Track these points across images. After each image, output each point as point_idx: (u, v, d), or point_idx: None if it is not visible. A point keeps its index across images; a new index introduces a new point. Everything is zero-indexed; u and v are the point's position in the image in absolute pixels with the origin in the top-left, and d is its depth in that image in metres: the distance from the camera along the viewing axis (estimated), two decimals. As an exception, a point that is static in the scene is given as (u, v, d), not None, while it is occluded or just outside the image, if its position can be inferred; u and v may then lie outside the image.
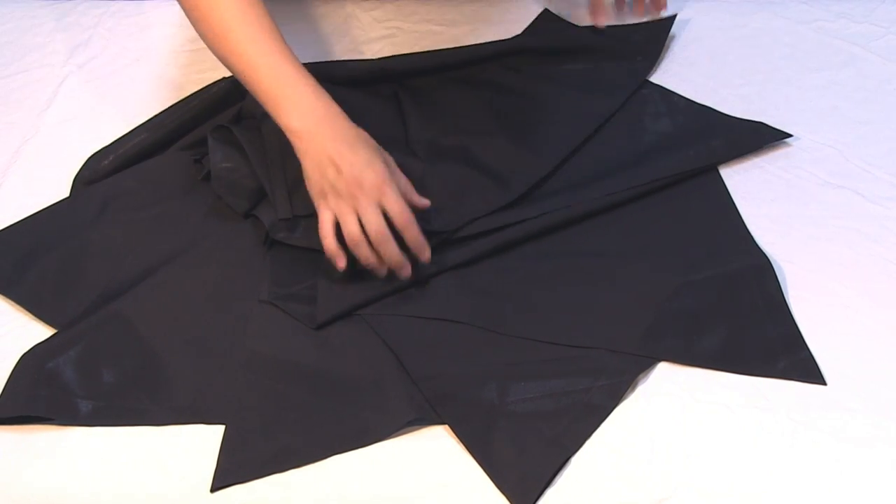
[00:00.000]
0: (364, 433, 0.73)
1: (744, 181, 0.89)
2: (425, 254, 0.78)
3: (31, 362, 0.78)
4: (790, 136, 0.91)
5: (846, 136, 0.93)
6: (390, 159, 0.80)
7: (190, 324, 0.81)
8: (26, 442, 0.74)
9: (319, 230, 0.78)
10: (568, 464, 0.70)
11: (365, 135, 0.80)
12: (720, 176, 0.90)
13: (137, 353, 0.79)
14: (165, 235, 0.88)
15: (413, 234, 0.77)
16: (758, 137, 0.92)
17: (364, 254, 0.77)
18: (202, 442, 0.74)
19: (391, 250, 0.77)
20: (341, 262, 0.78)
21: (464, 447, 0.72)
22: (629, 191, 0.87)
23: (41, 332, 0.82)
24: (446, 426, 0.73)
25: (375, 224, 0.76)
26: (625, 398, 0.74)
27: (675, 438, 0.71)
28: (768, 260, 0.81)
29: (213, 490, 0.71)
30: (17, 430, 0.75)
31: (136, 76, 1.07)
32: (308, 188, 0.79)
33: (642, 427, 0.72)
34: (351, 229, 0.76)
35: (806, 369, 0.74)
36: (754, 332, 0.77)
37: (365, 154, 0.77)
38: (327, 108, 0.79)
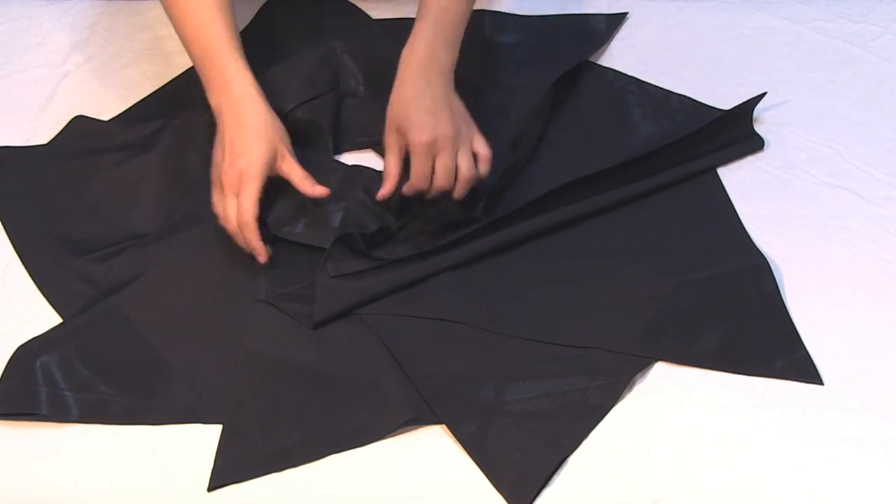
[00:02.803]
0: (361, 433, 0.73)
1: (742, 181, 0.89)
2: (260, 258, 0.81)
3: (25, 358, 0.78)
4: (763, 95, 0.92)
5: (844, 136, 0.93)
6: (285, 150, 0.83)
7: (188, 323, 0.81)
8: (24, 441, 0.74)
9: (214, 212, 0.83)
10: (565, 463, 0.70)
11: (263, 124, 0.82)
12: (717, 175, 0.90)
13: (135, 352, 0.79)
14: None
15: (246, 236, 0.80)
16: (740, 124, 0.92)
17: (237, 240, 0.82)
18: (199, 441, 0.74)
19: (240, 241, 0.81)
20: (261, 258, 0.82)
21: (461, 447, 0.72)
22: (625, 192, 0.87)
23: (38, 330, 0.81)
24: (444, 426, 0.73)
25: (229, 212, 0.80)
26: (622, 398, 0.74)
27: (672, 438, 0.71)
28: (766, 260, 0.81)
29: (210, 489, 0.71)
30: (15, 429, 0.75)
31: (134, 76, 1.07)
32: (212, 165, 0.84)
33: (639, 427, 0.72)
34: (224, 209, 0.81)
35: (803, 369, 0.74)
36: (751, 332, 0.77)
37: (246, 146, 0.80)
38: (241, 91, 0.83)
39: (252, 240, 0.80)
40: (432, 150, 0.80)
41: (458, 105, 0.83)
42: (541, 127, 0.94)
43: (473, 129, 0.84)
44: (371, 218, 0.85)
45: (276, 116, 0.84)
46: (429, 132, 0.79)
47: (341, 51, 0.99)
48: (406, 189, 0.82)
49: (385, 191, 0.82)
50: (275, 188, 0.85)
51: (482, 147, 0.83)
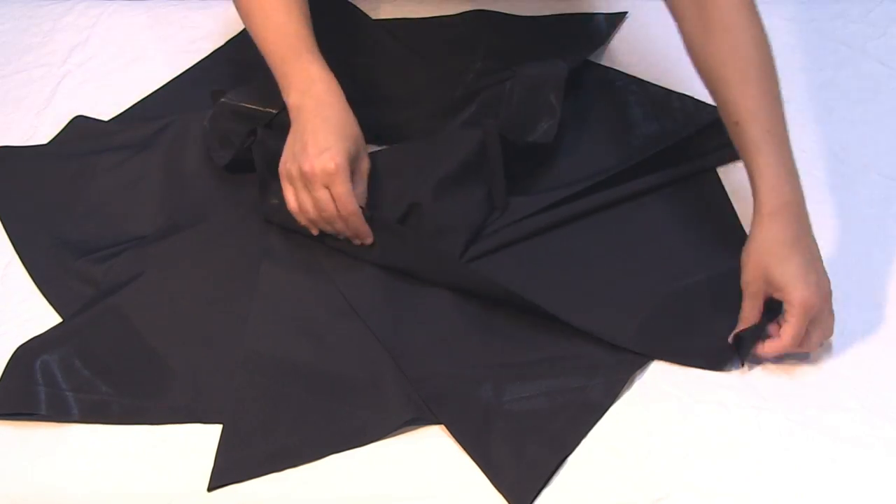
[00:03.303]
0: (361, 433, 0.73)
1: (741, 181, 0.89)
2: (367, 239, 0.82)
3: (25, 358, 0.78)
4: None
5: (844, 137, 0.93)
6: (363, 150, 0.84)
7: (188, 323, 0.81)
8: (24, 441, 0.74)
9: (287, 205, 0.82)
10: (565, 463, 0.70)
11: (347, 124, 0.82)
12: (717, 175, 0.90)
13: (135, 352, 0.79)
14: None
15: (353, 223, 0.80)
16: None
17: (315, 227, 0.82)
18: (200, 441, 0.74)
19: (339, 228, 0.81)
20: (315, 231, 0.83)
21: (461, 447, 0.72)
22: (625, 190, 0.87)
23: (37, 330, 0.81)
24: (443, 426, 0.73)
25: (323, 204, 0.79)
26: (621, 397, 0.74)
27: (671, 437, 0.71)
28: None
29: (210, 489, 0.71)
30: (15, 430, 0.75)
31: (134, 76, 1.07)
32: (281, 161, 0.82)
33: (639, 426, 0.72)
34: (299, 200, 0.81)
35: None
36: (750, 332, 0.77)
37: (331, 141, 0.80)
38: (324, 90, 0.83)
39: (360, 226, 0.80)
40: (811, 314, 0.71)
41: (823, 270, 0.75)
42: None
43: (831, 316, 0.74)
44: None
45: (355, 119, 0.84)
46: (813, 293, 0.71)
47: (333, 64, 1.00)
48: (767, 349, 0.74)
49: (770, 349, 0.73)
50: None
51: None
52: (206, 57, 1.08)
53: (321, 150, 0.79)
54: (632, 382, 0.75)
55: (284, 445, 0.73)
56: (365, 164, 0.84)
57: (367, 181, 0.84)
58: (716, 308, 0.79)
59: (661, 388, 0.74)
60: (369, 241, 0.82)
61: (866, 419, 0.71)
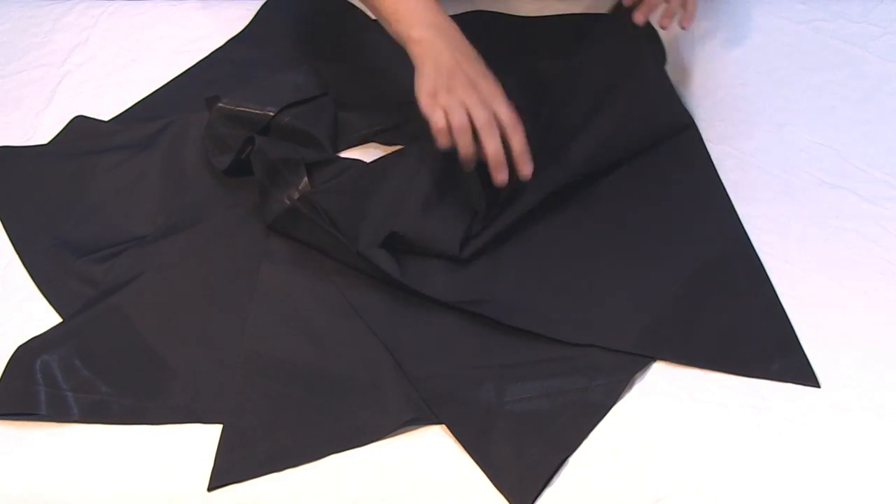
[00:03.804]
0: (361, 433, 0.73)
1: (741, 181, 0.89)
2: (526, 167, 0.79)
3: (25, 358, 0.78)
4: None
5: (844, 137, 0.93)
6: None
7: (188, 323, 0.81)
8: (24, 441, 0.74)
9: (433, 126, 0.78)
10: (566, 463, 0.70)
11: (478, 54, 0.82)
12: (717, 173, 0.90)
13: (135, 352, 0.79)
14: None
15: (520, 140, 0.78)
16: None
17: (465, 142, 0.78)
18: (200, 441, 0.74)
19: (495, 144, 0.78)
20: (467, 162, 0.80)
21: (461, 447, 0.72)
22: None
23: (37, 330, 0.81)
24: (444, 426, 0.73)
25: (485, 115, 0.77)
26: (622, 397, 0.74)
27: (671, 438, 0.71)
28: (760, 261, 0.81)
29: (210, 489, 0.71)
30: (15, 430, 0.75)
31: (134, 76, 1.07)
32: (417, 90, 0.80)
33: (639, 426, 0.72)
34: (459, 117, 0.77)
35: (800, 371, 0.74)
36: (749, 333, 0.77)
37: (481, 66, 0.80)
38: (446, 22, 0.82)
39: (524, 144, 0.78)
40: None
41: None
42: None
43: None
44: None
45: None
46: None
47: (329, 71, 1.00)
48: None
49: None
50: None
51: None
52: (206, 57, 1.08)
53: (480, 73, 0.79)
54: (632, 383, 0.75)
55: (284, 445, 0.73)
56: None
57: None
58: (714, 308, 0.79)
59: (661, 388, 0.74)
60: (527, 169, 0.79)
61: (866, 420, 0.71)
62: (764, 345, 0.76)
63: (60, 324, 0.82)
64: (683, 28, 0.91)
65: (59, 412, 0.75)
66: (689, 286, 0.80)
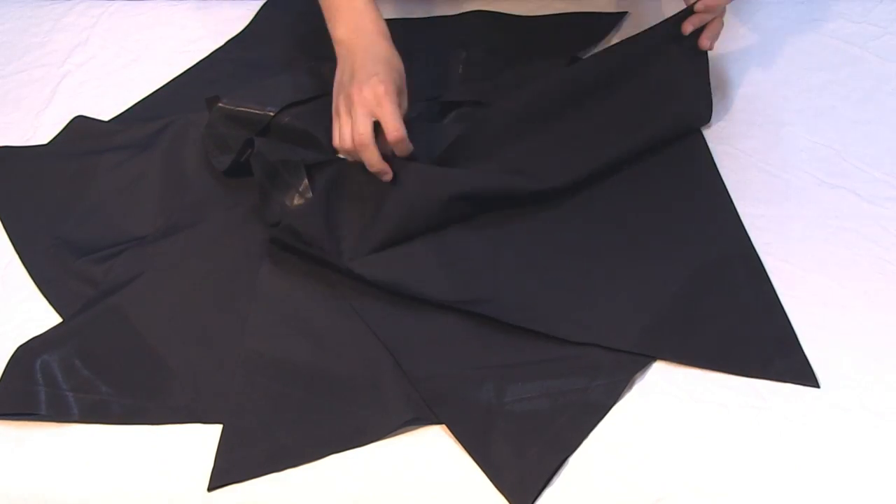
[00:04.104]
0: (361, 433, 0.73)
1: (741, 181, 0.89)
2: (386, 176, 0.82)
3: (25, 358, 0.78)
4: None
5: (844, 137, 0.93)
6: (403, 87, 0.84)
7: (188, 323, 0.81)
8: (25, 441, 0.74)
9: (332, 134, 0.83)
10: (566, 463, 0.70)
11: (393, 57, 0.84)
12: (718, 172, 0.90)
13: (135, 352, 0.79)
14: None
15: (403, 148, 0.81)
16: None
17: (347, 153, 0.83)
18: (199, 441, 0.74)
19: (369, 156, 0.80)
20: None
21: (461, 447, 0.72)
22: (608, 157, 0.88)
23: (37, 330, 0.81)
24: (444, 426, 0.73)
25: (360, 128, 0.79)
26: (622, 397, 0.74)
27: (672, 438, 0.71)
28: (760, 261, 0.81)
29: (210, 489, 0.71)
30: (15, 429, 0.75)
31: (134, 76, 1.07)
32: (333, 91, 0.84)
33: (639, 426, 0.72)
34: (341, 131, 0.81)
35: (799, 372, 0.74)
36: (748, 333, 0.77)
37: (379, 69, 0.81)
38: (372, 25, 0.85)
39: (406, 149, 0.81)
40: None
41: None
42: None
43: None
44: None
45: (398, 55, 0.85)
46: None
47: (330, 70, 0.99)
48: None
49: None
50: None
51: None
52: (206, 57, 1.09)
53: (370, 74, 0.80)
54: (632, 383, 0.75)
55: (284, 445, 0.73)
56: (405, 102, 0.84)
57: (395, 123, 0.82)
58: (713, 308, 0.79)
59: (661, 388, 0.74)
60: (389, 177, 0.82)
61: (866, 419, 0.71)
62: (764, 345, 0.76)
63: (60, 324, 0.82)
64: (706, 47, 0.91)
65: (59, 412, 0.75)
66: (689, 286, 0.80)
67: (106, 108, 1.03)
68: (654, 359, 0.76)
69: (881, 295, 0.79)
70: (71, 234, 0.89)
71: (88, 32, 1.14)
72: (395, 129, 0.79)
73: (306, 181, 0.86)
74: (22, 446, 0.74)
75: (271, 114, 0.91)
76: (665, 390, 0.74)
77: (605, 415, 0.73)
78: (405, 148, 0.81)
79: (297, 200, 0.85)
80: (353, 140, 0.80)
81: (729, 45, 1.04)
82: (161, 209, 0.90)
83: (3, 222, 0.92)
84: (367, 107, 0.79)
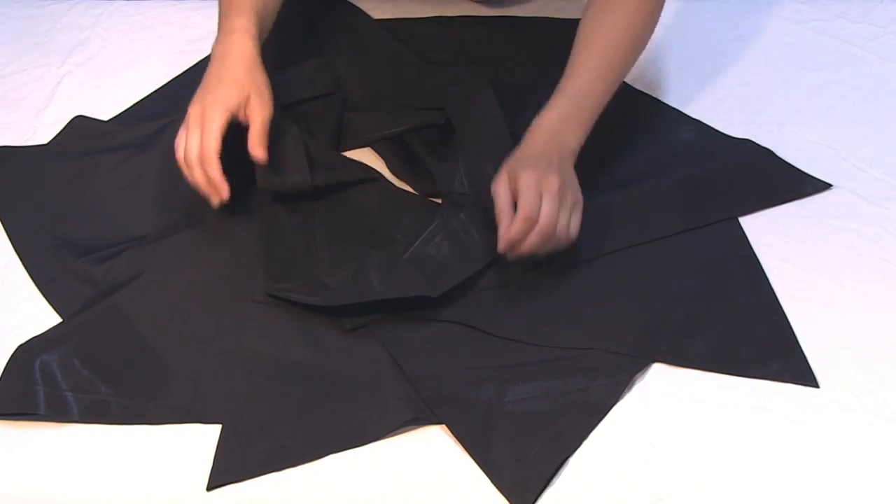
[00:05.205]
0: (361, 433, 0.73)
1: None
2: (222, 193, 0.82)
3: (25, 358, 0.77)
4: (830, 186, 0.88)
5: (844, 136, 0.93)
6: (258, 101, 0.83)
7: (188, 323, 0.81)
8: (24, 441, 0.74)
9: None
10: (566, 463, 0.70)
11: (240, 71, 0.83)
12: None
13: (135, 352, 0.79)
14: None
15: (208, 169, 0.81)
16: (791, 189, 0.89)
17: (191, 175, 0.83)
18: (199, 441, 0.73)
19: (194, 175, 0.82)
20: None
21: (461, 447, 0.72)
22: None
23: (37, 330, 0.81)
24: (444, 426, 0.73)
25: (190, 146, 0.81)
26: (622, 398, 0.74)
27: (672, 438, 0.71)
28: (759, 262, 0.81)
29: (209, 489, 0.71)
30: (15, 430, 0.75)
31: (133, 76, 1.07)
32: None
33: (640, 427, 0.72)
34: (177, 149, 0.82)
35: (799, 371, 0.74)
36: (748, 333, 0.77)
37: (219, 84, 0.83)
38: (235, 41, 0.85)
39: (213, 172, 0.81)
40: (539, 188, 0.76)
41: (571, 175, 0.80)
42: None
43: (578, 202, 0.79)
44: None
45: (264, 71, 0.85)
46: (537, 174, 0.76)
47: (341, 64, 0.99)
48: (514, 228, 0.76)
49: (504, 232, 0.76)
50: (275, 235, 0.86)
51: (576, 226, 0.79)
52: (206, 57, 1.08)
53: (206, 93, 0.82)
54: (632, 383, 0.75)
55: (284, 445, 0.73)
56: (259, 114, 0.83)
57: (263, 129, 0.83)
58: (712, 309, 0.79)
59: (661, 388, 0.74)
60: (224, 194, 0.82)
61: (866, 419, 0.71)
62: (763, 345, 0.76)
63: (60, 324, 0.82)
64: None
65: (59, 412, 0.75)
66: (688, 287, 0.80)
67: (106, 108, 1.03)
68: (652, 361, 0.76)
69: (881, 295, 0.79)
70: (71, 233, 0.89)
71: (88, 32, 1.14)
72: (205, 146, 0.80)
73: (305, 160, 0.86)
74: (22, 446, 0.74)
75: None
76: (665, 390, 0.74)
77: (605, 415, 0.73)
78: (211, 169, 0.81)
79: (293, 178, 0.86)
80: (188, 153, 0.81)
81: (728, 45, 1.04)
82: (161, 209, 0.90)
83: (3, 222, 0.91)
84: (194, 125, 0.81)
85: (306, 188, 0.87)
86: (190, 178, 0.83)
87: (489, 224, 0.81)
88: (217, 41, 0.86)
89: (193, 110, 0.82)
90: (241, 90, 0.83)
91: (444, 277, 0.80)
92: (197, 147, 0.81)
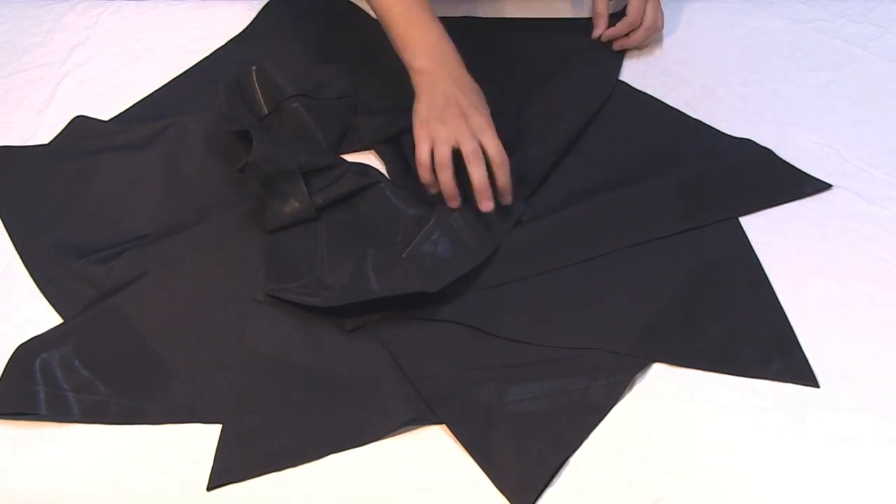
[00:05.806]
0: (361, 433, 0.73)
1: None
2: (508, 199, 0.83)
3: (25, 358, 0.78)
4: (830, 186, 0.88)
5: (844, 136, 0.93)
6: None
7: (188, 323, 0.81)
8: (25, 441, 0.74)
9: (416, 158, 0.82)
10: (566, 463, 0.70)
11: (476, 85, 0.85)
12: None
13: (135, 352, 0.79)
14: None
15: (504, 175, 0.82)
16: (791, 188, 0.89)
17: (445, 176, 0.82)
18: (199, 441, 0.74)
19: (480, 172, 0.81)
20: (447, 197, 0.83)
21: (462, 447, 0.72)
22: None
23: (37, 330, 0.81)
24: (444, 426, 0.73)
25: (473, 145, 0.80)
26: (623, 398, 0.74)
27: (672, 438, 0.71)
28: (759, 262, 0.81)
29: (209, 489, 0.71)
30: (15, 430, 0.75)
31: (134, 76, 1.07)
32: (413, 118, 0.84)
33: (640, 426, 0.72)
34: (442, 151, 0.81)
35: (799, 371, 0.74)
36: (748, 333, 0.77)
37: (475, 98, 0.83)
38: (449, 53, 0.86)
39: (508, 177, 0.82)
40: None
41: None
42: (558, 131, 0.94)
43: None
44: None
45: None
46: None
47: (352, 71, 1.00)
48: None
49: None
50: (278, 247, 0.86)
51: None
52: (206, 57, 1.08)
53: (472, 105, 0.82)
54: (632, 383, 0.75)
55: (284, 445, 0.73)
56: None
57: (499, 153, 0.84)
58: (714, 309, 0.79)
59: (661, 388, 0.74)
60: (508, 199, 0.83)
61: (866, 419, 0.71)
62: (763, 345, 0.76)
63: (61, 324, 0.82)
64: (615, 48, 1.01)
65: (59, 412, 0.75)
66: (688, 286, 0.80)
67: (106, 108, 1.03)
68: (653, 360, 0.76)
69: (881, 295, 0.79)
70: (71, 234, 0.89)
71: (88, 32, 1.14)
72: (497, 152, 0.81)
73: (303, 187, 0.86)
74: (22, 446, 0.74)
75: (290, 94, 0.94)
76: (665, 390, 0.74)
77: (605, 415, 0.73)
78: (507, 172, 0.82)
79: (293, 206, 0.86)
80: (467, 154, 0.80)
81: (729, 46, 1.04)
82: (161, 209, 0.90)
83: (3, 222, 0.92)
84: (474, 132, 0.81)
85: (311, 215, 0.87)
86: (447, 179, 0.82)
87: (485, 220, 0.83)
88: (425, 54, 0.85)
89: (471, 118, 0.81)
90: (484, 100, 0.85)
91: (442, 273, 0.80)
92: (474, 146, 0.80)
